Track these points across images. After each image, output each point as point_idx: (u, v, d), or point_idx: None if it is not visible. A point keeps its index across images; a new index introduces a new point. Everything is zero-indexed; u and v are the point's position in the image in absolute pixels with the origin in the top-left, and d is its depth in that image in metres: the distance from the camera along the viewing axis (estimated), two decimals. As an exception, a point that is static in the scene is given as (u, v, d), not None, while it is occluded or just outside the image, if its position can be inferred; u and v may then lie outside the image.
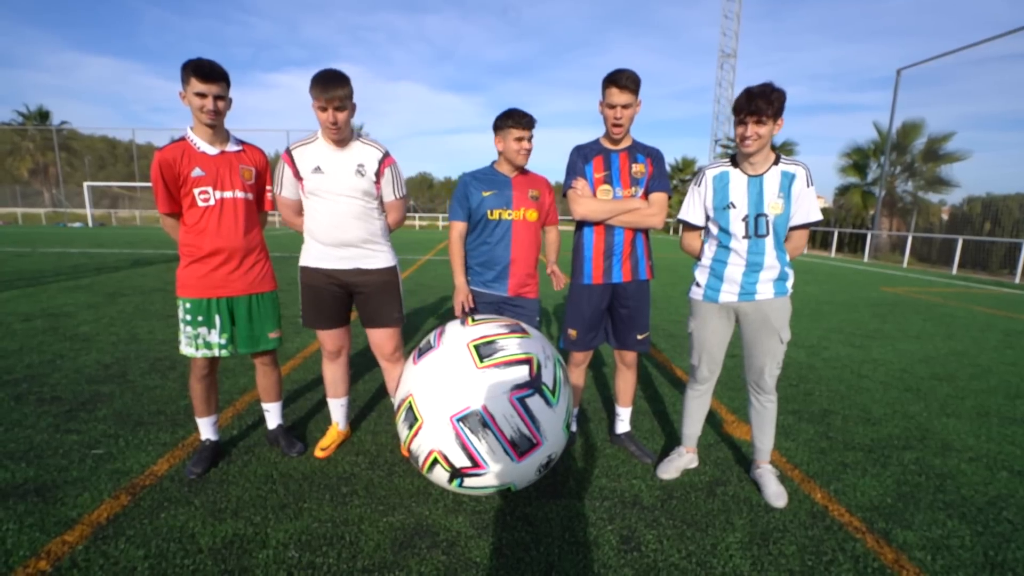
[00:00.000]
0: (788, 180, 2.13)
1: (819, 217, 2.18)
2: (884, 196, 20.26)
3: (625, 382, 2.74)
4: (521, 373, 1.85)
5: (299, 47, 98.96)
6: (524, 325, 2.12)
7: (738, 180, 2.17)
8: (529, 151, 2.46)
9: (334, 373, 2.59)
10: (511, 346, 1.91)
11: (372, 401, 3.30)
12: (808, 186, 2.14)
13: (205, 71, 2.07)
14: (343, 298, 2.44)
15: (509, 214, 2.48)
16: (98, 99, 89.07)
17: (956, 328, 6.29)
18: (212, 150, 2.21)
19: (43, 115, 40.12)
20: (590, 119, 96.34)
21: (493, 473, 1.85)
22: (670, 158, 36.92)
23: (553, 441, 1.91)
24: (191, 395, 2.43)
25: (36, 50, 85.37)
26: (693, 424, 2.52)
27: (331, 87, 2.10)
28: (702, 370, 2.42)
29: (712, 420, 3.14)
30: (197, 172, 2.17)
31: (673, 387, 3.78)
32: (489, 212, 2.46)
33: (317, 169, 2.24)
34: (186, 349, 2.32)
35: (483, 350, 1.89)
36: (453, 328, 2.05)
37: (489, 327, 2.01)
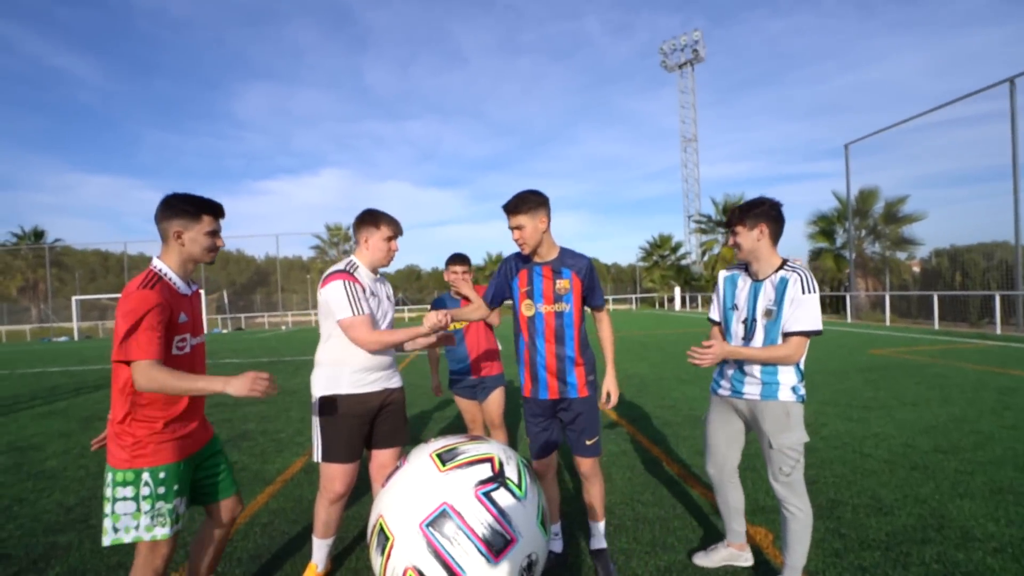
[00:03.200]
0: (783, 286, 2.13)
1: (811, 327, 2.08)
2: (855, 258, 21.00)
3: (588, 494, 2.57)
4: (484, 470, 1.91)
5: (289, 156, 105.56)
6: (484, 437, 2.21)
7: (743, 284, 2.29)
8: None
9: (332, 514, 2.40)
10: (472, 449, 2.00)
11: (349, 537, 3.07)
12: (804, 293, 2.09)
13: (221, 209, 1.97)
14: (368, 426, 2.42)
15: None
16: (93, 214, 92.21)
17: (950, 390, 6.24)
18: (187, 290, 1.97)
19: (38, 234, 40.96)
20: (567, 203, 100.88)
21: None
22: (647, 235, 38.31)
23: (529, 538, 1.86)
24: None
25: (38, 173, 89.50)
26: (728, 519, 2.47)
27: (399, 224, 2.45)
28: (708, 468, 2.46)
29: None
30: (183, 318, 1.89)
31: (671, 486, 3.60)
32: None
33: (372, 294, 2.39)
34: (158, 531, 1.82)
35: (444, 456, 1.96)
36: (417, 448, 2.12)
37: (451, 439, 2.11)
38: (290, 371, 10.57)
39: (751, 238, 2.17)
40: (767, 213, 2.16)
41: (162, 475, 1.83)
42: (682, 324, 20.24)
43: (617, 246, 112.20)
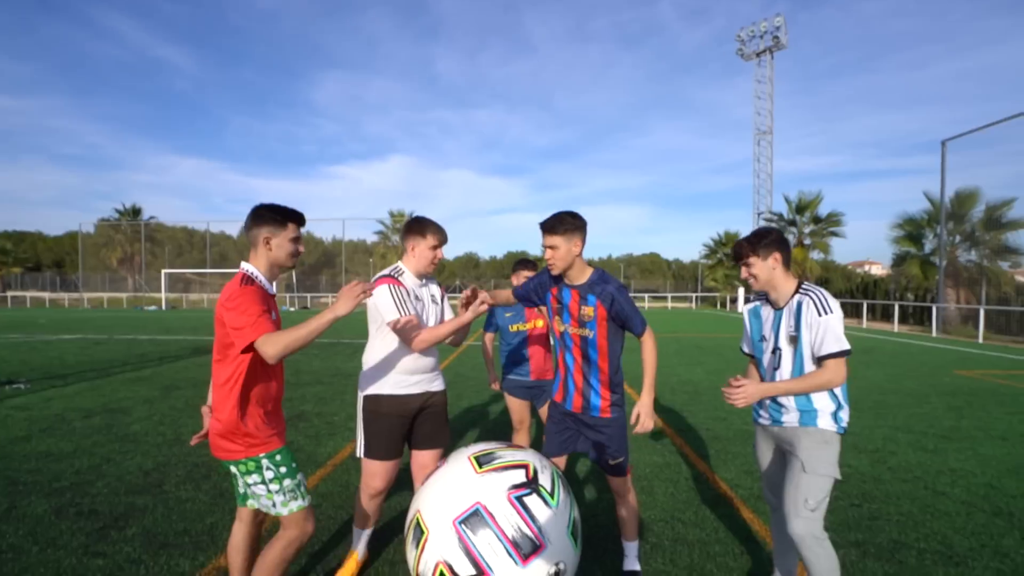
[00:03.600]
0: (799, 310, 2.12)
1: (837, 348, 2.02)
2: (946, 266, 19.09)
3: (619, 512, 2.57)
4: (518, 475, 1.99)
5: (359, 142, 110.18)
6: (522, 446, 2.29)
7: (767, 313, 2.27)
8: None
9: (371, 507, 2.51)
10: (508, 455, 2.08)
11: (390, 530, 3.20)
12: (821, 315, 2.04)
13: (303, 218, 2.12)
14: (408, 426, 2.51)
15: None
16: (183, 193, 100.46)
17: (1050, 426, 5.56)
18: (272, 291, 2.13)
19: (136, 211, 45.44)
20: (629, 195, 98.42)
21: None
22: (712, 231, 36.76)
23: (558, 546, 1.91)
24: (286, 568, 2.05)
25: (140, 154, 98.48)
26: (781, 553, 2.40)
27: (445, 233, 2.52)
28: (765, 493, 2.44)
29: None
30: (273, 316, 2.03)
31: (715, 506, 3.45)
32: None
33: (417, 298, 2.48)
34: (293, 505, 2.00)
35: (482, 459, 2.06)
36: (456, 451, 2.21)
37: (490, 444, 2.20)
38: (348, 353, 11.08)
39: (767, 268, 2.18)
40: (777, 241, 2.19)
41: (278, 457, 2.00)
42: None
43: (680, 241, 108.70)
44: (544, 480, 2.02)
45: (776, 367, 2.19)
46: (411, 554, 1.99)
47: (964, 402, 6.70)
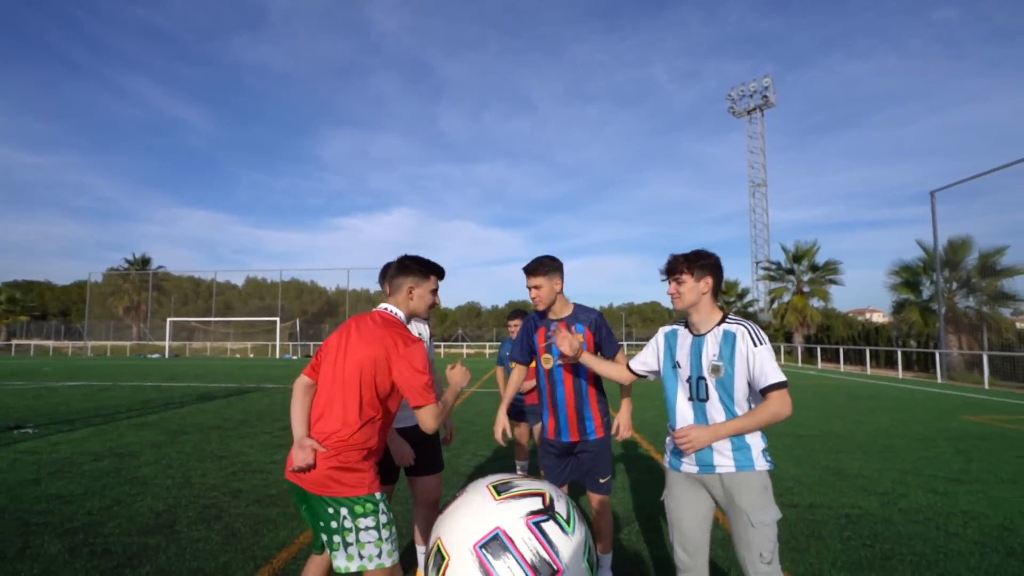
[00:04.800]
0: (730, 341, 2.02)
1: (776, 379, 1.96)
2: (946, 313, 19.21)
3: (598, 527, 2.77)
4: (536, 503, 2.04)
5: (365, 195, 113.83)
6: (537, 477, 2.39)
7: (684, 339, 2.14)
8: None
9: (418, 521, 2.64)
10: (525, 484, 2.16)
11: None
12: (757, 345, 1.98)
13: (443, 272, 2.24)
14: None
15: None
16: (191, 244, 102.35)
17: (1061, 469, 5.52)
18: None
19: (145, 261, 46.24)
20: (628, 246, 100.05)
21: None
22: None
23: (575, 572, 1.95)
24: None
25: (152, 208, 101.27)
26: None
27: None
28: (678, 553, 2.12)
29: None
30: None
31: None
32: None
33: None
34: (395, 555, 1.96)
35: (500, 487, 2.12)
36: (474, 481, 2.28)
37: (506, 475, 2.29)
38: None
39: (696, 290, 2.08)
40: (713, 266, 2.10)
41: (383, 505, 1.97)
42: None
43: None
44: (560, 508, 2.09)
45: (702, 398, 2.05)
46: None
47: (972, 446, 6.66)
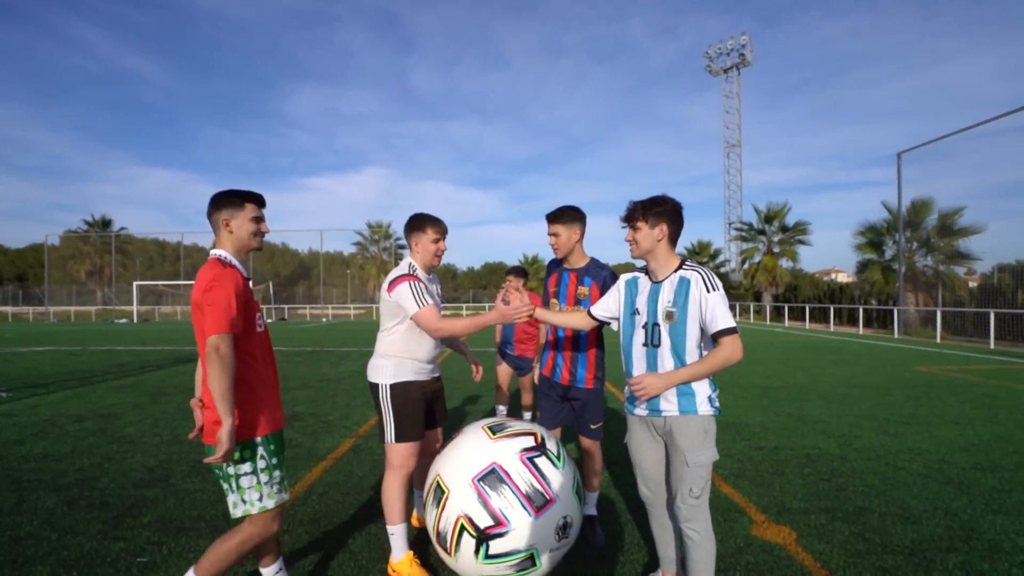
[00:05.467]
0: (684, 286, 2.06)
1: (727, 325, 1.99)
2: (905, 272, 20.14)
3: (588, 468, 2.94)
4: (528, 440, 2.24)
5: (334, 154, 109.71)
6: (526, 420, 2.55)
7: (644, 286, 2.18)
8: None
9: (405, 492, 2.54)
10: (517, 425, 2.34)
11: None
12: (710, 291, 2.01)
13: (262, 198, 2.15)
14: (428, 408, 2.71)
15: None
16: (153, 205, 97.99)
17: (998, 411, 6.05)
18: (246, 273, 2.12)
19: (105, 223, 44.10)
20: (605, 207, 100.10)
21: (515, 532, 2.02)
22: (685, 241, 37.85)
23: (566, 501, 2.14)
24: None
25: (107, 165, 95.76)
26: (664, 544, 2.31)
27: (444, 225, 2.68)
28: (641, 488, 2.29)
29: (740, 521, 3.09)
30: (254, 297, 2.17)
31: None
32: None
33: (428, 292, 2.56)
34: (277, 497, 2.01)
35: (495, 428, 2.31)
36: (469, 424, 2.46)
37: (498, 418, 2.46)
38: (333, 361, 11.11)
39: (651, 237, 2.09)
40: (669, 212, 2.09)
41: (272, 446, 2.01)
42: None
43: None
44: (551, 445, 2.28)
45: (655, 344, 2.09)
46: (431, 514, 2.19)
47: (922, 393, 7.20)
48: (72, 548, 2.73)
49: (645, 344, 2.13)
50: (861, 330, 20.66)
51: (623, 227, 2.21)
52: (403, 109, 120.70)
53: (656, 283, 2.14)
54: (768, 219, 31.80)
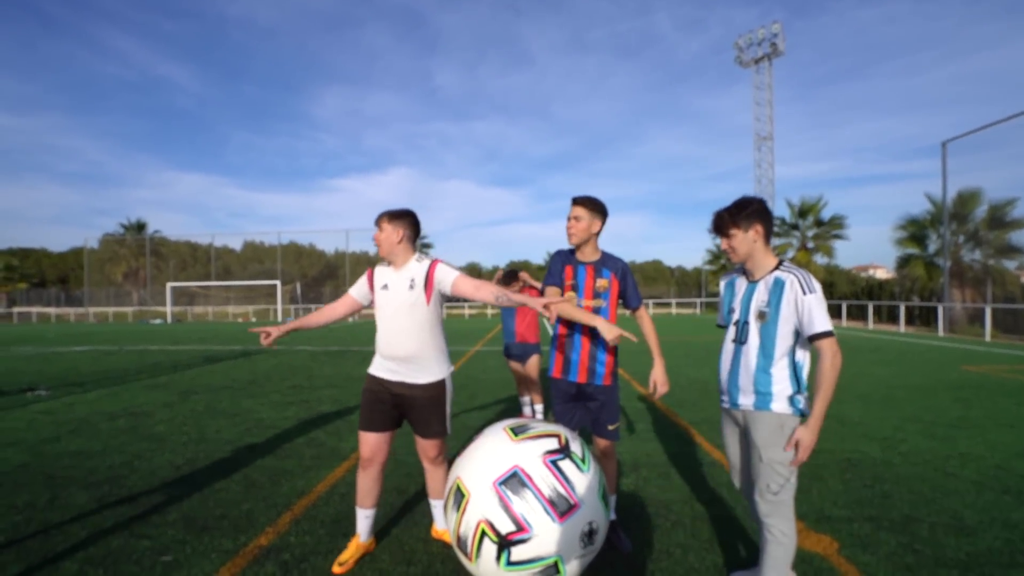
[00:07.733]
0: (779, 288, 2.07)
1: (823, 328, 1.98)
2: (950, 267, 19.18)
3: (606, 471, 2.80)
4: (552, 443, 2.14)
5: (360, 155, 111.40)
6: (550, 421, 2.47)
7: (741, 286, 2.24)
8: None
9: (364, 481, 2.65)
10: (540, 426, 2.24)
11: (400, 514, 3.31)
12: (807, 293, 2.00)
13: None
14: (389, 408, 2.63)
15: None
16: (186, 209, 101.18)
17: (1057, 414, 5.64)
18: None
19: (140, 226, 45.87)
20: (631, 204, 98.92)
21: (537, 537, 1.92)
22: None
23: (591, 506, 2.03)
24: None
25: (142, 171, 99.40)
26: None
27: (379, 215, 2.67)
28: (733, 476, 2.39)
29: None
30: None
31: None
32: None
33: (385, 287, 2.61)
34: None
35: (517, 429, 2.22)
36: (491, 425, 2.36)
37: (521, 420, 2.36)
38: (358, 360, 11.21)
39: (747, 240, 2.11)
40: (759, 212, 2.11)
41: None
42: (748, 331, 19.34)
43: (682, 248, 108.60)
44: (575, 448, 2.17)
45: (742, 341, 2.14)
46: (451, 518, 2.11)
47: (971, 394, 6.78)
48: (100, 545, 2.76)
49: (734, 340, 2.18)
50: (903, 328, 19.76)
51: (713, 238, 2.23)
52: (427, 109, 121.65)
53: (752, 283, 2.17)
54: (802, 213, 30.82)
